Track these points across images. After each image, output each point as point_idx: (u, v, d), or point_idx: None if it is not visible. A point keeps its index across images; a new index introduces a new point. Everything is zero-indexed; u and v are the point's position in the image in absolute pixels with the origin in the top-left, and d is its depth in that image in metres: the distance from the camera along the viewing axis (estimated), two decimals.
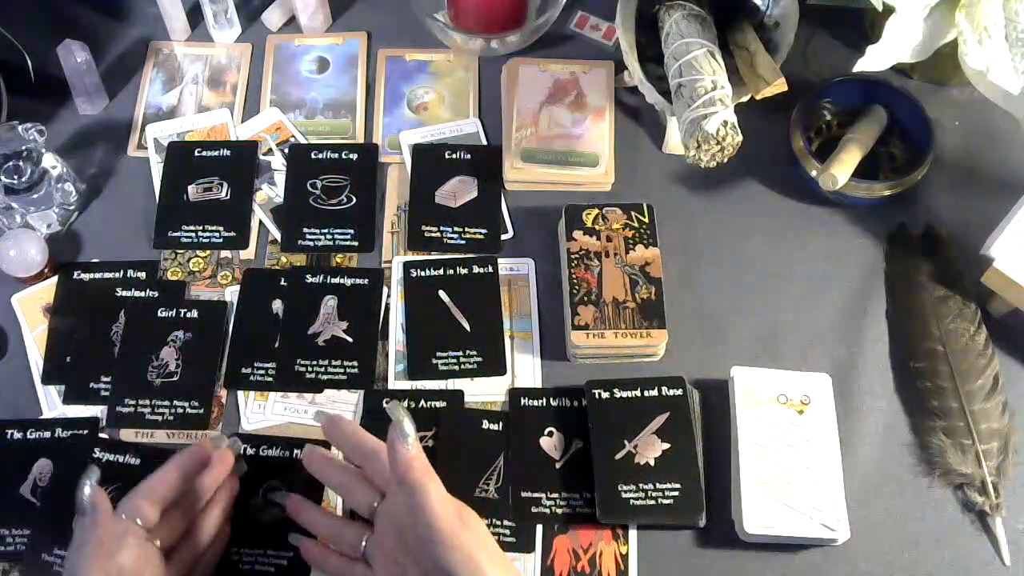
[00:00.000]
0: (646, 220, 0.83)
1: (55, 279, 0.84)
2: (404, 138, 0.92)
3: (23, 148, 0.84)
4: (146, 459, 0.76)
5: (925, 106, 0.88)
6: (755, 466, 0.74)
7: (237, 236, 0.87)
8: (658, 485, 0.74)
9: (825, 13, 0.91)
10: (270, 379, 0.80)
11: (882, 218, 0.88)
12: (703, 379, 0.81)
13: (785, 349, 0.82)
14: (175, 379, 0.80)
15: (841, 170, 0.82)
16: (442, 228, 0.87)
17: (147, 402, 0.79)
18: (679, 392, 0.78)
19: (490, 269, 0.85)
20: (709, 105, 0.76)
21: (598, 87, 0.91)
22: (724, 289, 0.85)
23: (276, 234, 0.87)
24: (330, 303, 0.83)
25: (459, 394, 0.80)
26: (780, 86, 0.80)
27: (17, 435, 0.77)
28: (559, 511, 0.75)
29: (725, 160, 0.78)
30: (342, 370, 0.80)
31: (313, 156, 0.90)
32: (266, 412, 0.79)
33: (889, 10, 0.78)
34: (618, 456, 0.75)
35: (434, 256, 0.86)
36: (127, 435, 0.78)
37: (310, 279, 0.84)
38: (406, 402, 0.79)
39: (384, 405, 0.78)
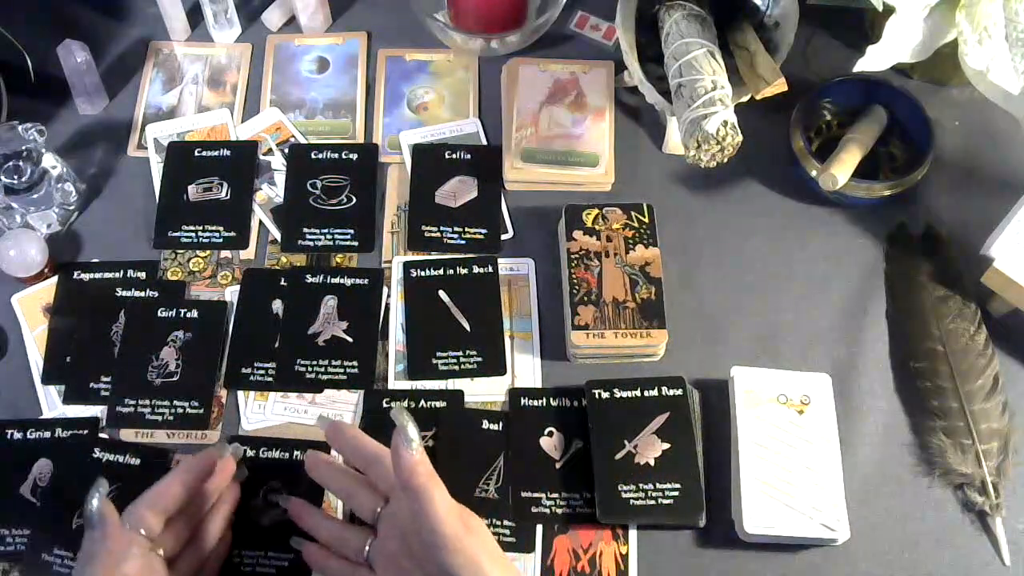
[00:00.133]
0: (646, 220, 0.83)
1: (55, 279, 0.84)
2: (404, 138, 0.92)
3: (23, 148, 0.84)
4: (146, 459, 0.76)
5: (925, 106, 0.88)
6: (755, 466, 0.74)
7: (237, 236, 0.87)
8: (658, 485, 0.74)
9: (825, 13, 0.91)
10: (270, 379, 0.80)
11: (882, 218, 0.88)
12: (703, 379, 0.81)
13: (785, 349, 0.82)
14: (175, 379, 0.80)
15: (841, 170, 0.82)
16: (442, 228, 0.87)
17: (147, 402, 0.79)
18: (679, 392, 0.78)
19: (490, 269, 0.85)
20: (709, 105, 0.76)
21: (598, 87, 0.91)
22: (724, 289, 0.85)
23: (276, 234, 0.87)
24: (330, 303, 0.83)
25: (459, 394, 0.80)
26: (780, 86, 0.80)
27: (17, 435, 0.77)
28: (559, 511, 0.75)
29: (725, 160, 0.78)
30: (342, 370, 0.80)
31: (313, 156, 0.90)
32: (266, 412, 0.79)
33: (889, 10, 0.78)
34: (618, 456, 0.75)
35: (434, 256, 0.86)
36: (127, 435, 0.78)
37: (310, 279, 0.84)
38: (406, 402, 0.79)
39: (389, 409, 0.78)
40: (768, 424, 0.76)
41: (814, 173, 0.85)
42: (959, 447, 0.77)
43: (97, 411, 0.79)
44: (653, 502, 0.73)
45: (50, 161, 0.85)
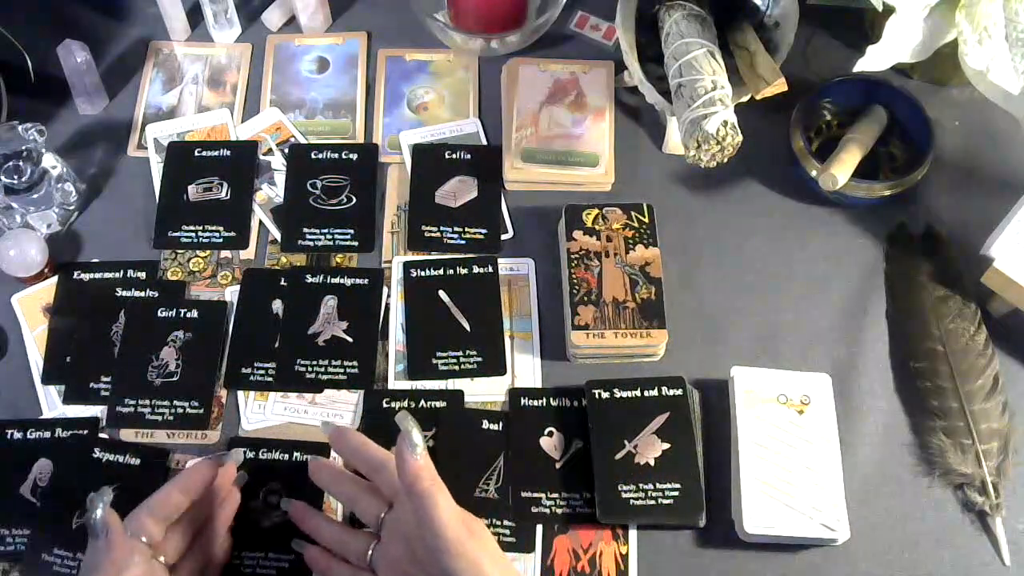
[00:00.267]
0: (646, 220, 0.83)
1: (55, 279, 0.84)
2: (404, 138, 0.92)
3: (23, 148, 0.84)
4: (146, 459, 0.76)
5: (925, 106, 0.88)
6: (755, 466, 0.74)
7: (237, 236, 0.87)
8: (658, 485, 0.74)
9: (825, 13, 0.91)
10: (270, 379, 0.80)
11: (882, 218, 0.88)
12: (703, 379, 0.81)
13: (785, 349, 0.82)
14: (175, 379, 0.80)
15: (841, 170, 0.82)
16: (442, 228, 0.87)
17: (147, 402, 0.79)
18: (679, 392, 0.78)
19: (490, 269, 0.85)
20: (709, 105, 0.76)
21: (598, 87, 0.91)
22: (724, 289, 0.85)
23: (276, 234, 0.87)
24: (330, 303, 0.83)
25: (459, 394, 0.80)
26: (780, 86, 0.80)
27: (17, 435, 0.77)
28: (559, 511, 0.75)
29: (725, 160, 0.78)
30: (342, 370, 0.80)
31: (313, 156, 0.90)
32: (266, 412, 0.79)
33: (889, 10, 0.78)
34: (618, 456, 0.75)
35: (434, 256, 0.86)
36: (127, 435, 0.78)
37: (310, 279, 0.84)
38: (406, 402, 0.79)
39: (389, 410, 0.78)
40: (768, 424, 0.76)
41: (814, 173, 0.85)
42: (959, 447, 0.77)
43: (97, 411, 0.79)
44: (653, 502, 0.73)
45: (50, 161, 0.85)
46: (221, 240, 0.87)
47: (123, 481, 0.74)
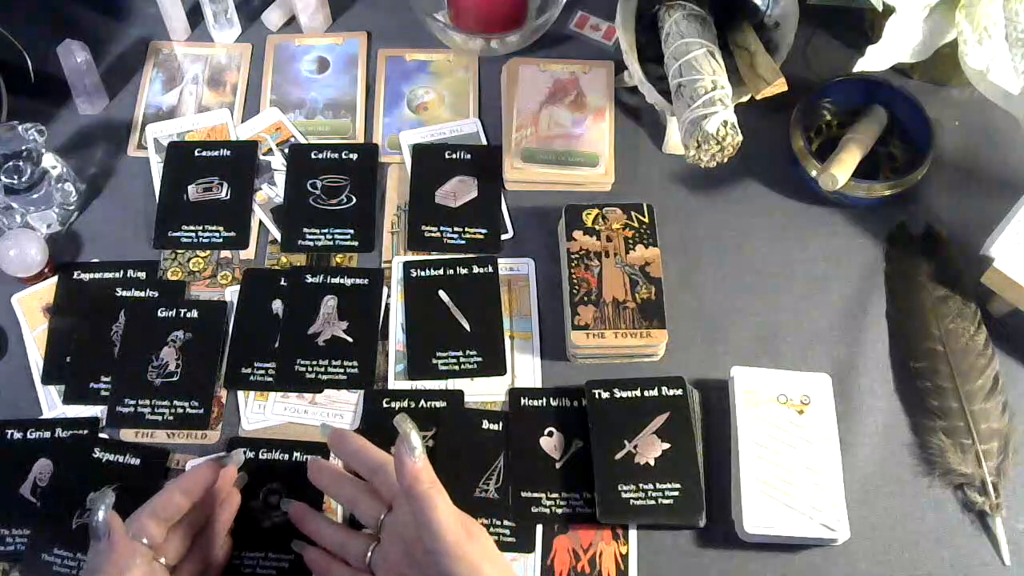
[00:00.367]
0: (646, 220, 0.83)
1: (55, 279, 0.84)
2: (404, 138, 0.92)
3: (23, 148, 0.84)
4: (146, 459, 0.76)
5: (925, 106, 0.88)
6: (755, 466, 0.74)
7: (237, 236, 0.87)
8: (658, 485, 0.74)
9: (825, 13, 0.91)
10: (270, 379, 0.80)
11: (882, 218, 0.88)
12: (703, 379, 0.81)
13: (785, 349, 0.82)
14: (175, 379, 0.80)
15: (841, 170, 0.82)
16: (442, 228, 0.87)
17: (147, 402, 0.79)
18: (679, 392, 0.78)
19: (490, 269, 0.85)
20: (709, 105, 0.76)
21: (598, 87, 0.91)
22: (724, 289, 0.85)
23: (276, 234, 0.87)
24: (330, 303, 0.83)
25: (459, 394, 0.80)
26: (780, 86, 0.80)
27: (17, 435, 0.77)
28: (559, 511, 0.75)
29: (725, 160, 0.78)
30: (342, 370, 0.80)
31: (313, 156, 0.90)
32: (266, 412, 0.79)
33: (889, 10, 0.78)
34: (618, 456, 0.75)
35: (434, 256, 0.86)
36: (127, 435, 0.78)
37: (310, 279, 0.84)
38: (406, 402, 0.79)
39: (389, 410, 0.78)
40: (768, 424, 0.76)
41: (814, 173, 0.85)
42: (959, 447, 0.77)
43: (97, 411, 0.79)
44: (653, 502, 0.73)
45: (50, 161, 0.85)
46: (221, 240, 0.87)
47: (123, 481, 0.74)
